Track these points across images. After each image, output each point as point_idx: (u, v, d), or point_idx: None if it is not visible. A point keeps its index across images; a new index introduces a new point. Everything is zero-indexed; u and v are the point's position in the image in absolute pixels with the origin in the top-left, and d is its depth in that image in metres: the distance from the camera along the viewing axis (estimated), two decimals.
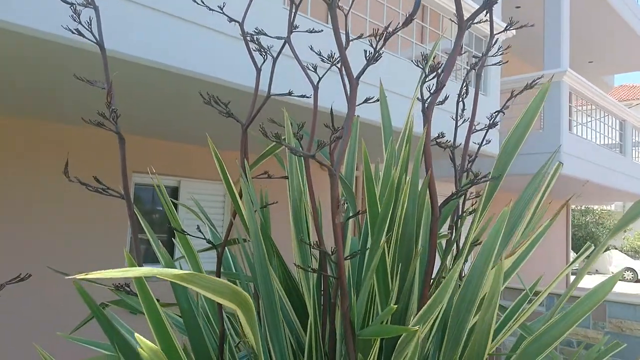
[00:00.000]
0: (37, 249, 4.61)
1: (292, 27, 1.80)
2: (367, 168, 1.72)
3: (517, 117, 1.98)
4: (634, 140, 10.03)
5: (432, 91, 1.68)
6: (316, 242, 1.51)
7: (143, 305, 1.39)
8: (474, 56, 5.60)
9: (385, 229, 1.53)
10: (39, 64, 2.91)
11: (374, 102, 1.89)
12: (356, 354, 1.47)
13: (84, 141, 4.90)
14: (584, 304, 1.56)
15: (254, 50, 1.89)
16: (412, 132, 1.88)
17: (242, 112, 1.90)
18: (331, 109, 1.77)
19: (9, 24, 2.32)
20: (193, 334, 1.69)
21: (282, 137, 1.46)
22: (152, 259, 5.04)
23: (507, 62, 2.23)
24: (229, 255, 2.19)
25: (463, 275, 1.80)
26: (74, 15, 1.64)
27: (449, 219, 1.93)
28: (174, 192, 5.75)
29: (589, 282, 15.61)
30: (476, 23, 1.68)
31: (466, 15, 1.64)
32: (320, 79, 1.80)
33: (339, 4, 1.53)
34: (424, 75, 1.80)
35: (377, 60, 1.52)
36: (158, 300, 1.43)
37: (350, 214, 1.87)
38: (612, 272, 21.82)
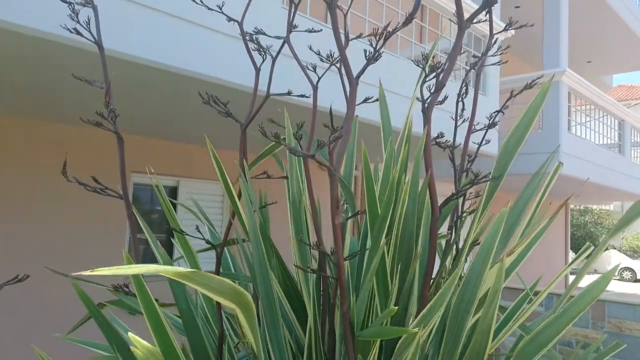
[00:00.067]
0: (37, 249, 4.60)
1: (291, 27, 1.80)
2: (366, 168, 1.72)
3: (516, 117, 1.98)
4: (632, 140, 10.04)
5: (431, 91, 1.68)
6: (316, 242, 1.51)
7: (142, 305, 1.39)
8: (473, 56, 5.60)
9: (385, 229, 1.53)
10: (39, 64, 2.90)
11: (373, 101, 1.89)
12: (356, 355, 1.47)
13: (84, 141, 4.89)
14: (578, 302, 1.56)
15: (253, 50, 1.88)
16: (411, 132, 1.88)
17: (242, 112, 1.89)
18: (330, 108, 1.77)
19: (9, 23, 2.32)
20: (192, 334, 1.69)
21: (282, 137, 1.46)
22: (150, 259, 5.04)
23: (506, 62, 2.23)
24: (228, 256, 2.18)
25: (462, 275, 1.79)
26: (73, 14, 1.64)
27: (448, 219, 1.93)
28: (173, 192, 5.74)
29: (588, 282, 15.60)
30: (475, 23, 1.68)
31: (465, 15, 1.64)
32: (319, 78, 1.80)
33: (338, 4, 1.53)
34: (424, 75, 1.80)
35: (377, 60, 1.52)
36: (157, 301, 1.42)
37: (350, 214, 1.87)
38: (614, 274, 21.80)
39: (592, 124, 8.62)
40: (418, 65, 1.83)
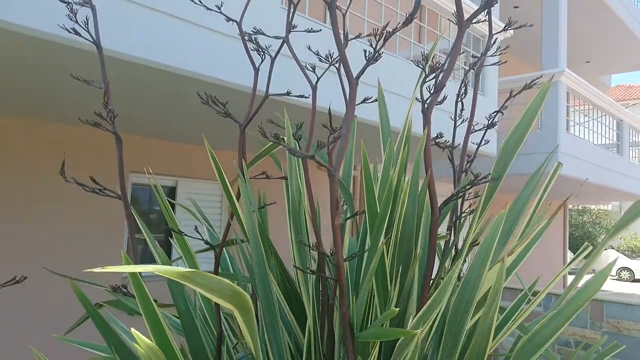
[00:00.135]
0: (36, 249, 4.60)
1: (290, 27, 1.79)
2: (366, 169, 1.71)
3: (514, 117, 1.98)
4: (631, 140, 10.05)
5: (431, 91, 1.68)
6: (315, 243, 1.51)
7: (140, 306, 1.38)
8: (472, 56, 5.60)
9: (384, 230, 1.52)
10: (39, 64, 2.89)
11: (372, 102, 1.89)
12: (355, 356, 1.47)
13: (84, 141, 4.88)
14: (575, 301, 1.55)
15: (252, 50, 1.88)
16: (410, 132, 1.88)
17: (241, 112, 1.89)
18: (329, 109, 1.77)
19: (9, 24, 2.31)
20: (190, 335, 1.69)
21: (281, 137, 1.45)
22: (149, 260, 5.03)
23: (505, 62, 2.23)
24: (227, 256, 2.18)
25: (462, 275, 1.79)
26: (71, 14, 1.63)
27: (447, 219, 1.93)
28: (172, 192, 5.74)
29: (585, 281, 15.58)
30: (475, 23, 1.68)
31: (465, 15, 1.64)
32: (318, 79, 1.80)
33: (337, 4, 1.53)
34: (424, 76, 1.80)
35: (377, 60, 1.52)
36: (155, 301, 1.42)
37: (349, 215, 1.86)
38: (610, 272, 21.84)
39: (590, 124, 8.62)
40: (418, 66, 1.83)
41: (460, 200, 1.92)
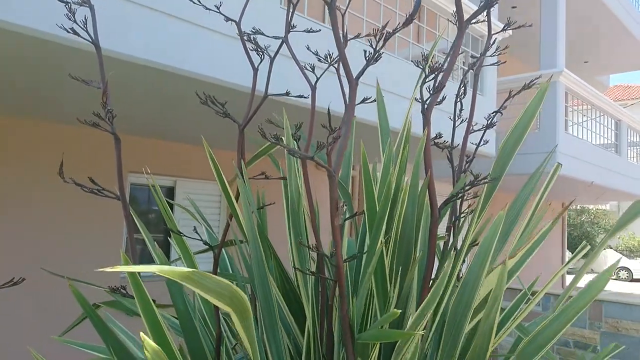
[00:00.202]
0: (35, 249, 4.59)
1: (289, 27, 1.79)
2: (365, 169, 1.71)
3: (513, 117, 1.98)
4: (629, 140, 10.06)
5: (430, 91, 1.67)
6: (315, 244, 1.50)
7: (139, 306, 1.38)
8: (471, 56, 5.60)
9: (383, 230, 1.52)
10: (39, 64, 2.89)
11: (371, 102, 1.88)
12: (355, 357, 1.46)
13: (84, 141, 4.88)
14: (577, 302, 1.55)
15: (251, 50, 1.88)
16: (410, 132, 1.88)
17: (240, 113, 1.89)
18: (328, 109, 1.76)
19: (9, 24, 2.31)
20: (189, 335, 1.68)
21: (280, 138, 1.45)
22: (148, 259, 5.02)
23: (504, 62, 2.23)
24: (226, 257, 2.17)
25: (461, 276, 1.79)
26: (69, 14, 1.63)
27: (446, 219, 1.92)
28: (170, 192, 5.73)
29: (584, 281, 15.64)
30: (474, 23, 1.67)
31: (464, 15, 1.63)
32: (317, 79, 1.79)
33: (337, 4, 1.52)
34: (424, 76, 1.80)
35: (377, 61, 1.52)
36: (154, 301, 1.42)
37: (348, 215, 1.86)
38: (612, 273, 21.85)
39: (589, 124, 8.63)
40: (418, 66, 1.83)
41: (459, 201, 1.92)
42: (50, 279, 4.03)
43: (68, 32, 1.64)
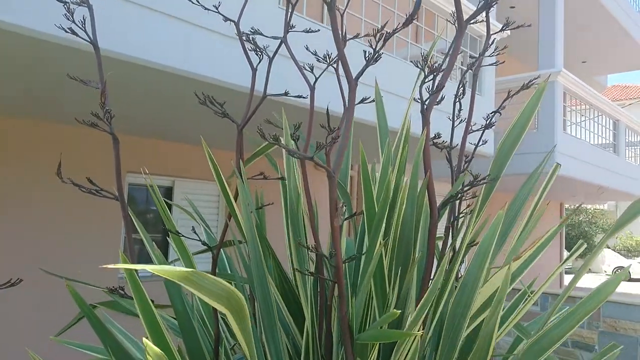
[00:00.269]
0: (33, 249, 4.58)
1: (288, 27, 1.79)
2: (364, 170, 1.71)
3: (511, 117, 1.98)
4: (627, 140, 10.07)
5: (429, 92, 1.67)
6: (314, 245, 1.50)
7: (138, 307, 1.38)
8: (470, 56, 5.60)
9: (382, 231, 1.52)
10: (38, 64, 2.88)
11: (370, 102, 1.88)
12: (355, 358, 1.46)
13: (83, 141, 4.87)
14: (586, 304, 1.54)
15: (250, 50, 1.87)
16: (409, 132, 1.87)
17: (238, 113, 1.88)
18: (327, 109, 1.76)
19: (8, 24, 2.30)
20: (188, 336, 1.68)
21: (279, 137, 1.45)
22: (146, 259, 5.01)
23: (503, 62, 2.23)
24: (224, 257, 2.17)
25: (460, 276, 1.79)
26: (68, 14, 1.62)
27: (445, 220, 1.92)
28: (168, 192, 5.72)
29: (582, 281, 15.65)
30: (473, 23, 1.67)
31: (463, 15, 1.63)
32: (317, 79, 1.79)
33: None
34: (423, 76, 1.79)
35: (377, 61, 1.51)
36: (152, 302, 1.41)
37: (347, 216, 1.86)
38: (605, 271, 21.94)
39: (587, 124, 8.64)
40: (417, 66, 1.83)
41: (458, 201, 1.92)
42: (49, 279, 4.02)
43: (66, 31, 1.63)
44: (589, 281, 17.84)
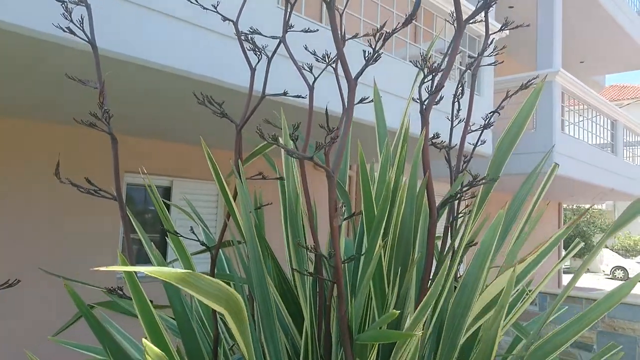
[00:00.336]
0: (33, 249, 4.57)
1: (287, 27, 1.79)
2: (363, 170, 1.71)
3: (509, 117, 1.98)
4: (625, 140, 10.08)
5: (428, 92, 1.67)
6: (313, 245, 1.50)
7: (137, 307, 1.37)
8: (469, 56, 5.60)
9: (381, 233, 1.52)
10: (38, 64, 2.88)
11: (369, 102, 1.88)
12: (354, 358, 1.46)
13: (82, 141, 4.86)
14: (599, 307, 1.54)
15: (249, 50, 1.87)
16: (408, 132, 1.87)
17: (237, 113, 1.88)
18: (326, 109, 1.76)
19: (6, 24, 2.30)
20: (187, 336, 1.68)
21: (277, 137, 1.44)
22: (145, 259, 5.01)
23: (502, 62, 2.23)
24: (223, 257, 2.17)
25: (459, 276, 1.79)
26: (66, 13, 1.62)
27: (444, 219, 1.92)
28: (167, 192, 5.71)
29: (579, 280, 15.64)
30: (472, 23, 1.67)
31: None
32: (315, 79, 1.79)
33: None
34: (422, 76, 1.79)
35: (376, 61, 1.51)
36: (151, 302, 1.41)
37: (345, 216, 1.86)
38: (603, 271, 21.99)
39: (585, 123, 8.65)
40: (416, 66, 1.83)
41: (457, 201, 1.92)
42: (48, 279, 4.02)
43: (64, 31, 1.63)
44: (587, 281, 17.86)
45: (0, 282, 1.32)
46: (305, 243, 1.76)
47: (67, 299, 1.54)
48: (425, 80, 1.78)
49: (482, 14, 1.81)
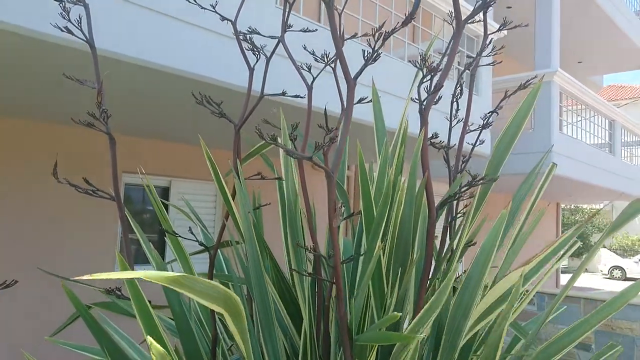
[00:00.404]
0: (32, 249, 4.56)
1: (285, 27, 1.78)
2: (362, 170, 1.71)
3: (507, 117, 1.98)
4: (623, 140, 10.10)
5: (427, 92, 1.67)
6: (312, 245, 1.50)
7: (135, 308, 1.37)
8: (467, 56, 5.60)
9: (381, 234, 1.51)
10: (37, 64, 2.87)
11: (367, 102, 1.88)
12: (353, 359, 1.46)
13: (80, 141, 4.85)
14: (606, 309, 1.53)
15: (247, 50, 1.87)
16: (406, 132, 1.87)
17: (236, 113, 1.88)
18: (325, 109, 1.76)
19: (5, 24, 2.29)
20: (185, 337, 1.67)
21: (276, 137, 1.44)
22: (143, 259, 5.00)
23: (500, 62, 2.23)
24: (222, 257, 2.16)
25: (457, 276, 1.79)
26: (64, 13, 1.61)
27: (442, 219, 1.92)
28: (165, 192, 5.70)
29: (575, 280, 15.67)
30: (470, 23, 1.67)
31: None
32: (314, 79, 1.79)
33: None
34: (421, 76, 1.79)
35: (375, 60, 1.51)
36: (150, 302, 1.41)
37: (344, 216, 1.85)
38: (601, 271, 22.04)
39: (583, 123, 8.66)
40: (415, 66, 1.83)
41: (455, 201, 1.92)
42: (48, 279, 4.01)
43: (62, 30, 1.62)
44: (585, 281, 17.90)
45: (0, 281, 1.32)
46: (304, 243, 1.76)
47: (67, 299, 1.54)
48: (424, 80, 1.78)
49: (481, 14, 1.81)
